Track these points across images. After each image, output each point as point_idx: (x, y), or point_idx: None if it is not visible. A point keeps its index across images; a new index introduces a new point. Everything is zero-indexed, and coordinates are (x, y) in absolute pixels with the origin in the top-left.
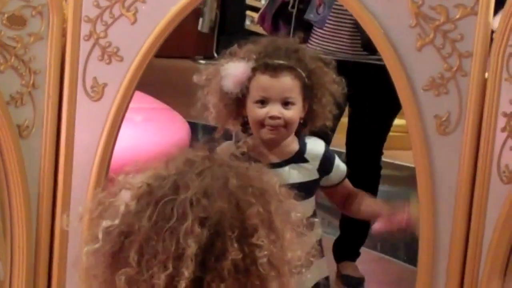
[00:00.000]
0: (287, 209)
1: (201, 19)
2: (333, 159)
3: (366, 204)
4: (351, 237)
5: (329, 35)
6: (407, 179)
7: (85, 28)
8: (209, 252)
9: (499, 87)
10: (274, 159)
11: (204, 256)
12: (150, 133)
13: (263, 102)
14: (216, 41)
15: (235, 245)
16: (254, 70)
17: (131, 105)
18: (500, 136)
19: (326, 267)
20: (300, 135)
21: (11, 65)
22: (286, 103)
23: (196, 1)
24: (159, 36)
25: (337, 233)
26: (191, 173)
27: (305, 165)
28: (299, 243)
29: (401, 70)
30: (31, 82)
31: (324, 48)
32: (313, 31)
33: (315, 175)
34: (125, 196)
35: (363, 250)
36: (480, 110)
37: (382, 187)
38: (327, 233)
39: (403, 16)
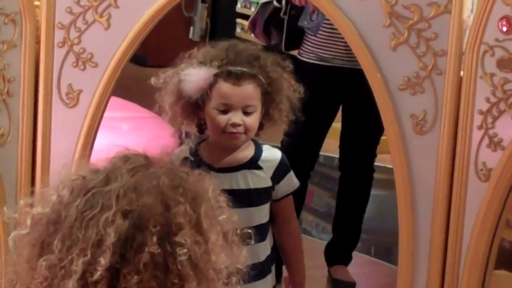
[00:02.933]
0: (219, 215)
1: (191, 28)
2: (288, 169)
3: (293, 251)
4: (344, 240)
5: (323, 42)
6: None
7: (59, 35)
8: (129, 244)
9: (475, 85)
10: (226, 164)
11: (125, 248)
12: (138, 142)
13: (224, 109)
14: None
15: (155, 239)
16: (216, 76)
17: (119, 114)
18: (477, 134)
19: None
20: (256, 141)
21: None
22: (247, 111)
23: (169, 5)
24: (133, 40)
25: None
26: (124, 168)
27: (258, 172)
28: (225, 249)
29: (376, 70)
30: (6, 90)
31: (319, 55)
32: (306, 38)
33: (268, 183)
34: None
35: (355, 254)
36: (456, 109)
37: (373, 191)
38: (321, 238)
39: (376, 16)
